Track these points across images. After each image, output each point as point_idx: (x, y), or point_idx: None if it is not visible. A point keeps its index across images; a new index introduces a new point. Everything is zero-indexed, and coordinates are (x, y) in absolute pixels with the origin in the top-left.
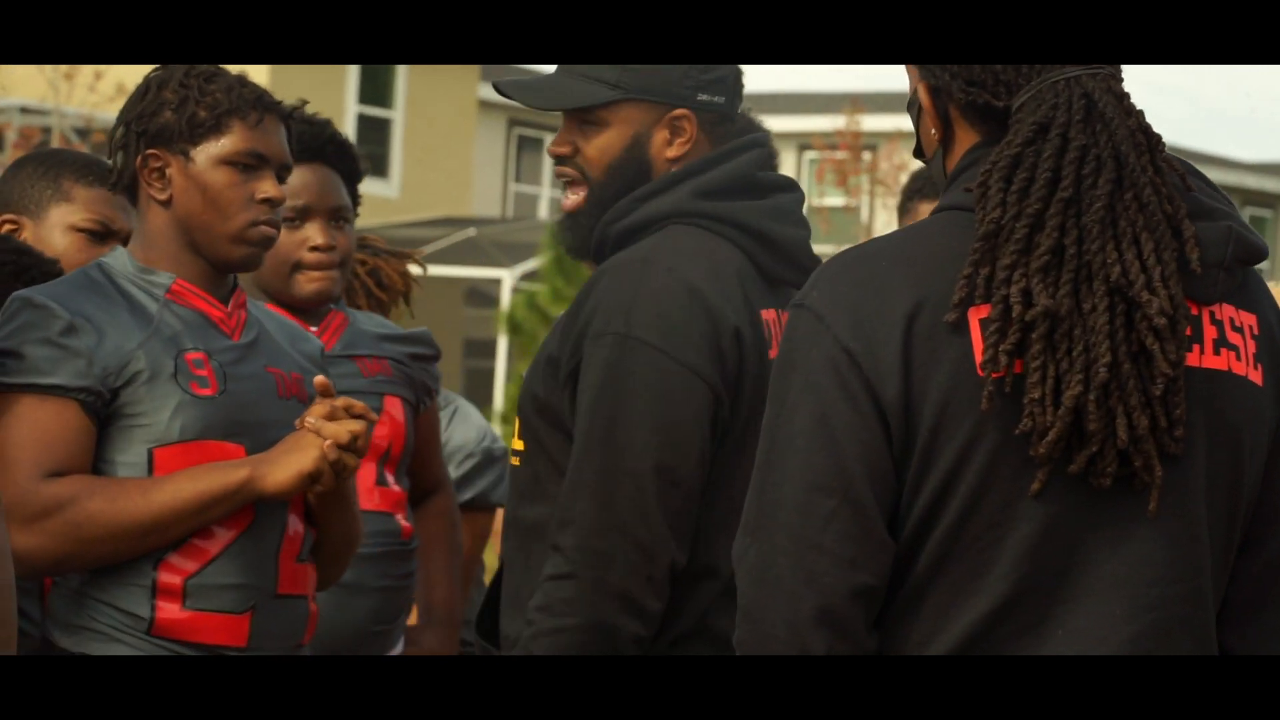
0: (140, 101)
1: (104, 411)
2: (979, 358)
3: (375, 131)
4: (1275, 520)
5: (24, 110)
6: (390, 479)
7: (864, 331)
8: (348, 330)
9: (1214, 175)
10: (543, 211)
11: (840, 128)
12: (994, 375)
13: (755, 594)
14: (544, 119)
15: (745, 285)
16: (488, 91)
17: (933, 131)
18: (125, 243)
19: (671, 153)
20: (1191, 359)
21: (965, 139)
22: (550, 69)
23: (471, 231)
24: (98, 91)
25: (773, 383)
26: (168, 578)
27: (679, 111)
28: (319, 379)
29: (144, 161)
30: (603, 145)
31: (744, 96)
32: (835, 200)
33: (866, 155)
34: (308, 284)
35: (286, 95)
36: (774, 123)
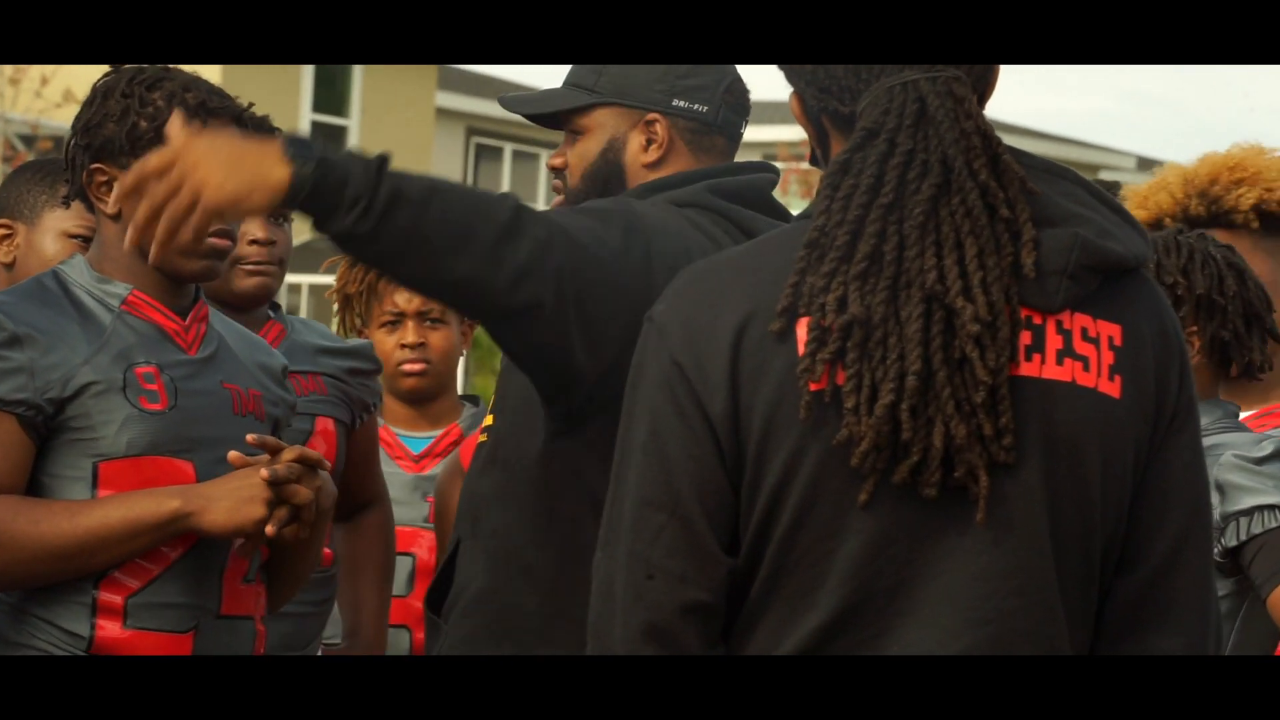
0: (87, 112)
1: (47, 426)
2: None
3: (330, 140)
4: (1149, 537)
5: None
6: None
7: (694, 344)
8: (284, 342)
9: None
10: None
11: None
12: (812, 385)
13: (599, 608)
14: (503, 128)
15: None
16: (446, 99)
17: (811, 142)
18: None
19: (646, 159)
20: (1030, 369)
21: (838, 147)
22: (501, 70)
23: None
24: (44, 97)
25: (625, 396)
26: (109, 596)
27: (651, 116)
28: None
29: (89, 176)
30: (581, 152)
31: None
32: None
33: None
34: (245, 279)
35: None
36: None
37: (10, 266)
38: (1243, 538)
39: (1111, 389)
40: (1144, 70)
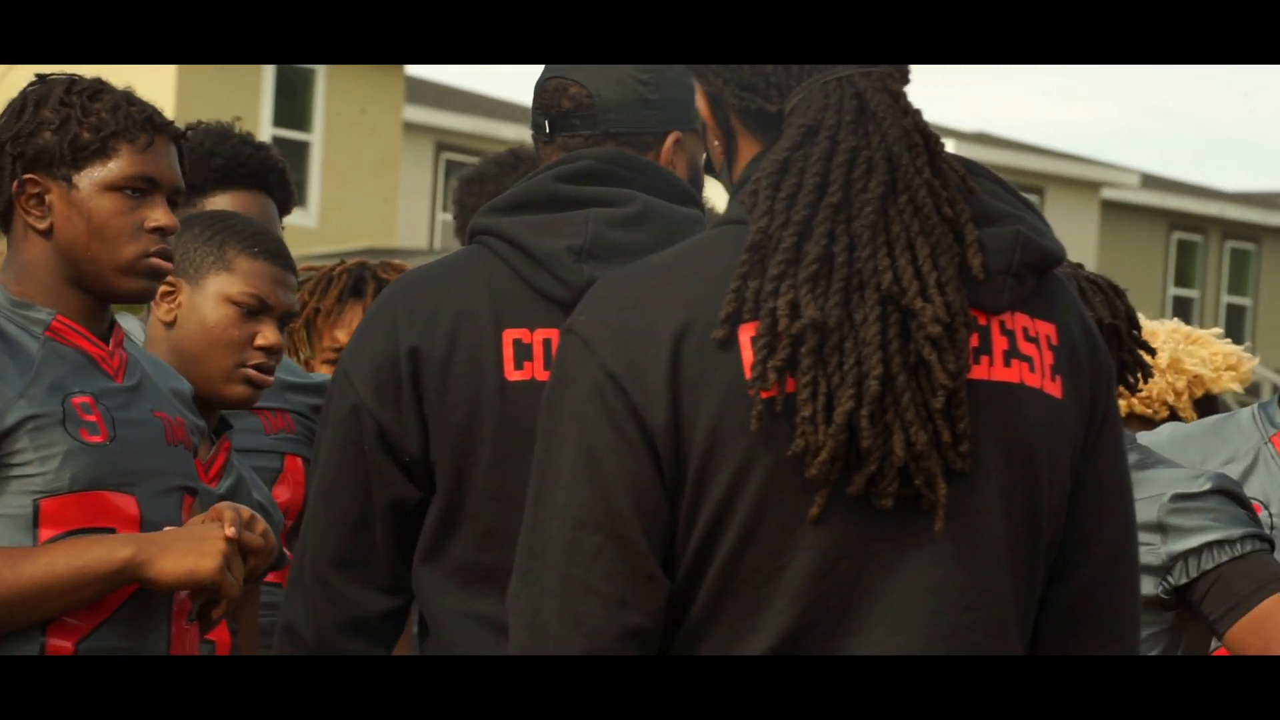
0: (17, 120)
1: None
2: (749, 376)
3: (292, 156)
4: (1085, 546)
5: None
6: (285, 551)
7: (629, 354)
8: None
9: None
10: None
11: None
12: (763, 394)
13: (526, 640)
14: (473, 143)
15: (494, 302)
16: (413, 112)
17: (715, 143)
18: (280, 320)
19: None
20: (980, 371)
21: (748, 149)
22: (469, 83)
23: (396, 263)
24: None
25: (541, 413)
26: (58, 642)
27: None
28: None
29: (20, 187)
30: None
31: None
32: None
33: None
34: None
35: (196, 116)
36: None
37: (171, 325)
38: (1193, 574)
39: (1054, 389)
40: (1151, 78)
